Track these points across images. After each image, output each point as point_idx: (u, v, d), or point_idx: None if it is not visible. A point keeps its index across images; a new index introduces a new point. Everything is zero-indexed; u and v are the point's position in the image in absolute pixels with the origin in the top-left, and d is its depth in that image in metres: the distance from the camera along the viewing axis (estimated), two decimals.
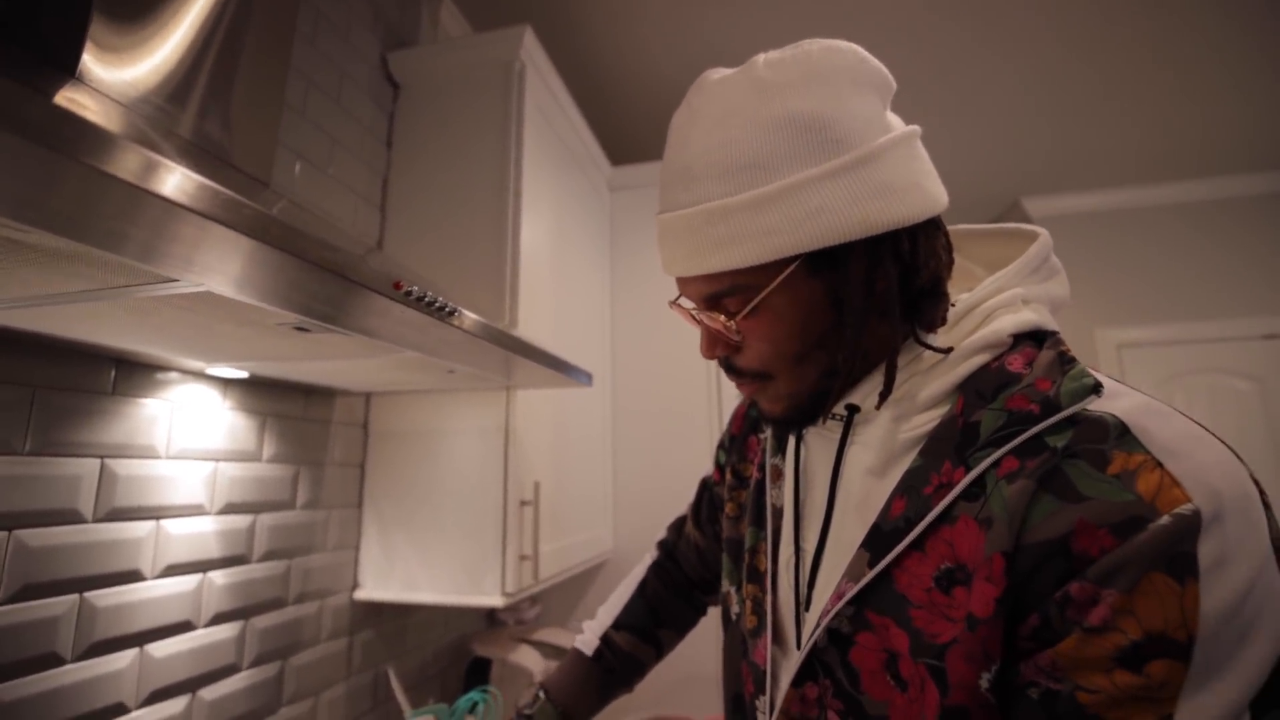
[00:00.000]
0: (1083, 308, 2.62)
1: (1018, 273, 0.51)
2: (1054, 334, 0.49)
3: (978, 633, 0.41)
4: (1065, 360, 0.46)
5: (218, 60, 0.66)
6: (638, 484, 1.78)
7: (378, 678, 1.23)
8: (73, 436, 0.75)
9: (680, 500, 1.65)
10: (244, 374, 0.91)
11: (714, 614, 1.71)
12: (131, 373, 0.82)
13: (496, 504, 1.16)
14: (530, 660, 1.36)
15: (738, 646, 0.65)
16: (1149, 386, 2.46)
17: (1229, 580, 0.36)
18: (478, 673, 1.32)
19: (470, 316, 0.65)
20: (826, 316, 0.48)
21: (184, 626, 0.87)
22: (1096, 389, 0.43)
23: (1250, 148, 2.32)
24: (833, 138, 0.45)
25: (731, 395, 1.83)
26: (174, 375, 0.88)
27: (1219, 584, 0.36)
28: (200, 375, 0.91)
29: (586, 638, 0.84)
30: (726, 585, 0.69)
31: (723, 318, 0.50)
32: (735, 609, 0.67)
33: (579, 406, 1.58)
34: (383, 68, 1.36)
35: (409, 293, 0.55)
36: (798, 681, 0.51)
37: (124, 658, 0.79)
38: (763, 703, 0.57)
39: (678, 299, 0.57)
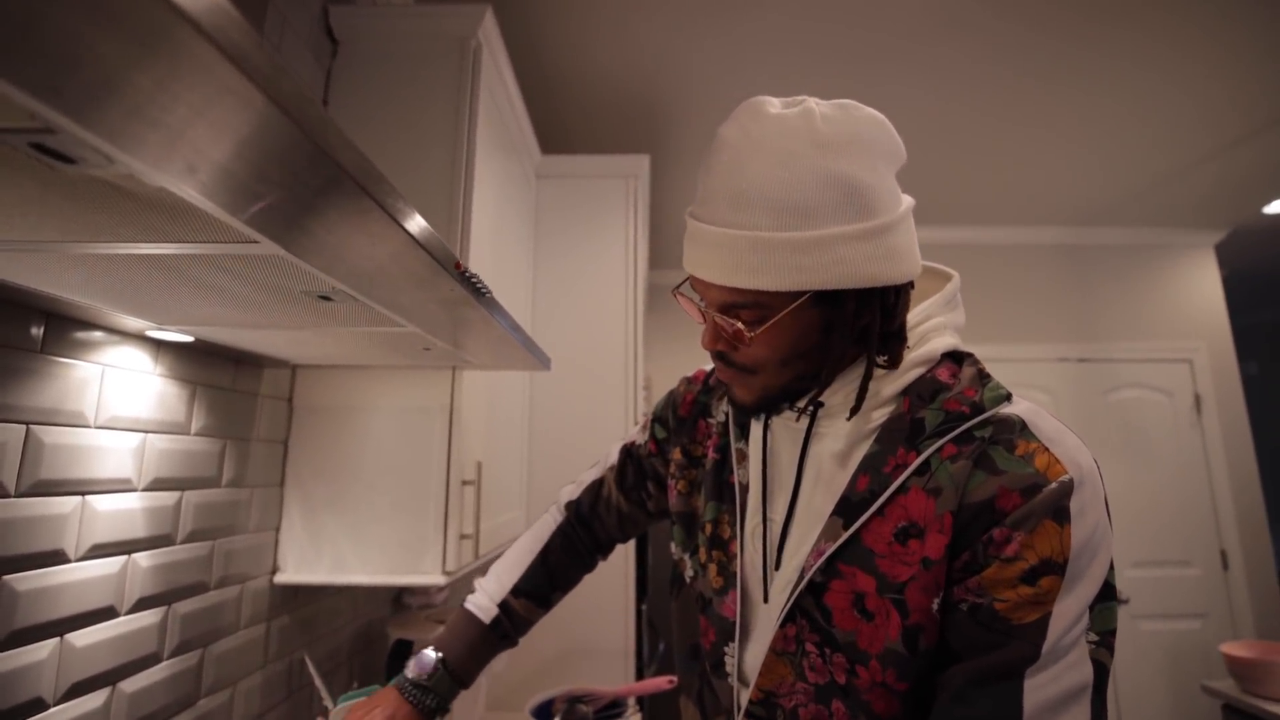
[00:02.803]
0: None
1: (937, 304, 0.66)
2: (970, 354, 0.65)
3: (931, 571, 0.56)
4: (983, 376, 0.62)
5: None
6: (552, 466, 1.81)
7: (292, 665, 1.17)
8: None
9: None
10: (189, 338, 0.84)
11: (619, 590, 1.79)
12: (62, 329, 0.73)
13: (438, 483, 1.15)
14: None
15: (693, 605, 0.74)
16: None
17: (1086, 523, 0.53)
18: (401, 655, 1.30)
19: (498, 301, 0.68)
20: (815, 337, 0.60)
21: (107, 613, 0.79)
22: (1008, 397, 0.60)
23: (1048, 204, 2.87)
24: (867, 203, 0.55)
25: (642, 385, 1.92)
26: (99, 334, 0.78)
27: (1081, 525, 0.53)
28: (135, 337, 0.82)
29: (482, 602, 0.85)
30: (679, 553, 0.78)
31: (739, 324, 0.59)
32: (690, 573, 0.75)
33: (506, 390, 1.59)
34: (323, 20, 1.27)
35: (464, 272, 0.57)
36: (782, 624, 0.62)
37: (44, 648, 0.70)
38: (731, 648, 0.68)
39: (680, 286, 0.65)
